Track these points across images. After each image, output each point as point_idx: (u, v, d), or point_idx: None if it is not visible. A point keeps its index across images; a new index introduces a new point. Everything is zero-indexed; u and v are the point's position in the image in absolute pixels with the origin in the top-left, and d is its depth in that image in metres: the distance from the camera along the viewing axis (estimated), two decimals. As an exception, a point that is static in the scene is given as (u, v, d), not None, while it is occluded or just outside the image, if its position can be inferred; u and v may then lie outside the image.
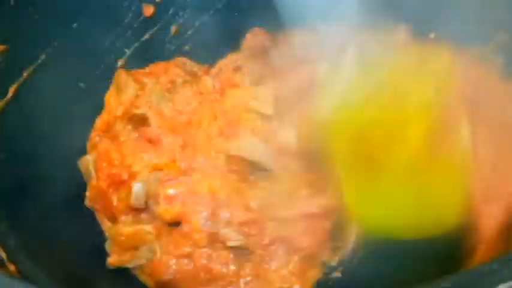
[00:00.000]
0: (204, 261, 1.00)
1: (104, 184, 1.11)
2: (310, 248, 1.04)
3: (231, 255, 1.01)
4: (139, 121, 1.21)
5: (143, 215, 1.08)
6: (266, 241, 1.03)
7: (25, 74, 1.17)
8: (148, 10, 1.39)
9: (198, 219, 1.01)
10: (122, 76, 1.29)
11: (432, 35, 1.30)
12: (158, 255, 1.03)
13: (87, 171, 1.15)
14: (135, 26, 1.38)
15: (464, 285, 0.65)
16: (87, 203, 1.14)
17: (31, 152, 1.13)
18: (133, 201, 1.06)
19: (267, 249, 1.03)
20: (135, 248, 1.06)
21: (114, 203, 1.10)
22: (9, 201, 1.04)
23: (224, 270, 1.01)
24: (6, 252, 0.91)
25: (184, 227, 1.02)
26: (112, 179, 1.10)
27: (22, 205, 1.05)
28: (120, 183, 1.09)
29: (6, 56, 1.13)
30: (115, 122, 1.23)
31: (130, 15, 1.36)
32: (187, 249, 1.01)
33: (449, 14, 1.22)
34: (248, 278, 1.01)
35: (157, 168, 1.09)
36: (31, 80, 1.17)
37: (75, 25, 1.27)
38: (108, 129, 1.23)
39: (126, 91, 1.26)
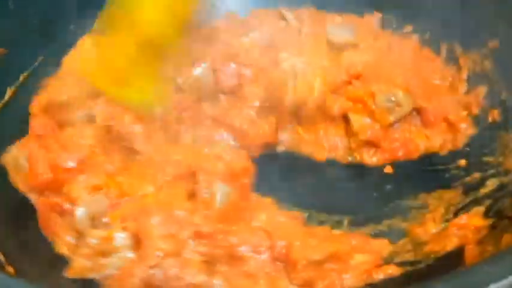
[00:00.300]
0: (175, 270, 0.95)
1: (48, 215, 1.04)
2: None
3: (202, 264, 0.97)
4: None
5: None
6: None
7: (22, 77, 1.18)
8: (146, 14, 1.40)
9: (157, 230, 0.97)
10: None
11: (407, 29, 1.34)
12: (128, 264, 0.98)
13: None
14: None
15: (456, 285, 0.67)
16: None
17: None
18: (79, 226, 1.00)
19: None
20: (104, 254, 0.99)
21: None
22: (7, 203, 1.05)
23: (196, 279, 0.96)
24: (4, 254, 0.91)
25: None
26: (54, 208, 1.04)
27: (20, 208, 1.06)
28: (63, 212, 1.03)
29: (4, 58, 1.14)
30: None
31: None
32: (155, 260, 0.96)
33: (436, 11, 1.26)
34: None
35: (97, 189, 1.03)
36: (29, 82, 1.18)
37: (72, 27, 1.28)
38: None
39: None
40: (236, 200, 1.04)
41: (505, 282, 0.65)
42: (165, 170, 1.07)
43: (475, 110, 1.19)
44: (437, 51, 1.29)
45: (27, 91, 1.17)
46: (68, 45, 1.25)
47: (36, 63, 1.21)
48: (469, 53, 1.24)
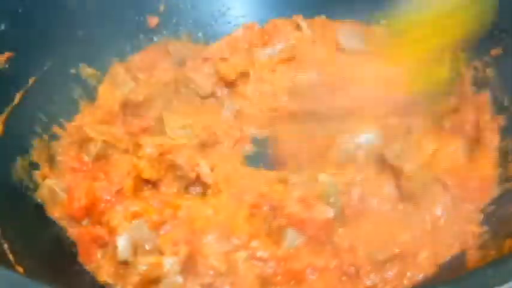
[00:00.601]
0: None
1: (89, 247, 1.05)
2: None
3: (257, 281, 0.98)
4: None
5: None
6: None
7: (31, 81, 1.19)
8: (153, 21, 1.41)
9: (211, 248, 0.99)
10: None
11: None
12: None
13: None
14: (140, 36, 1.41)
15: (460, 288, 0.68)
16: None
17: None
18: (120, 257, 0.98)
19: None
20: (153, 281, 0.97)
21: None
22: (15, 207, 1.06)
23: None
24: (14, 255, 0.92)
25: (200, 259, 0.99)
26: (95, 240, 1.04)
27: (29, 212, 1.08)
28: (105, 243, 1.04)
29: (13, 62, 1.14)
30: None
31: (135, 25, 1.39)
32: (208, 280, 0.97)
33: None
34: None
35: (136, 216, 1.04)
36: (37, 86, 1.19)
37: (80, 33, 1.29)
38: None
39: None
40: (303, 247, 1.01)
41: (507, 286, 0.66)
42: (231, 195, 1.09)
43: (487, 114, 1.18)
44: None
45: (37, 95, 1.19)
46: (75, 49, 1.28)
47: (45, 68, 1.22)
48: (472, 61, 1.24)
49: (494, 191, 1.07)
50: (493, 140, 1.14)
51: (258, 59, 1.36)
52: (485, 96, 1.20)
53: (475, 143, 1.14)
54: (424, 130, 1.15)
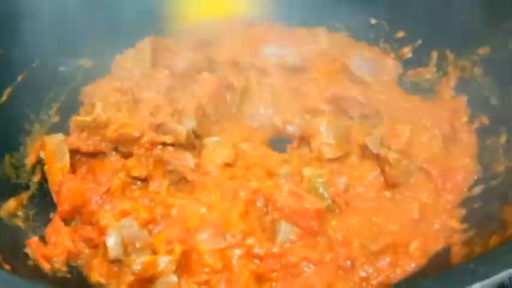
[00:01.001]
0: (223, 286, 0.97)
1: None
2: None
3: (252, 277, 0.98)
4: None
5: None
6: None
7: (19, 78, 1.19)
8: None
9: (206, 245, 1.00)
10: None
11: (400, 33, 1.37)
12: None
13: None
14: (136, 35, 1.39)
15: (442, 283, 0.69)
16: None
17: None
18: (111, 256, 0.98)
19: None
20: (149, 281, 0.96)
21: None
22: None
23: None
24: (1, 253, 0.92)
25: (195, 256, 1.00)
26: (86, 242, 1.05)
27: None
28: (96, 245, 1.04)
29: (1, 59, 1.14)
30: None
31: (128, 25, 1.37)
32: (204, 277, 0.98)
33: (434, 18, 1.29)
34: None
35: (124, 214, 1.04)
36: (25, 83, 1.19)
37: (69, 31, 1.28)
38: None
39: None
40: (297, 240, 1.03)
41: (489, 281, 0.67)
42: (223, 191, 1.09)
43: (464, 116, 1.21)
44: (428, 58, 1.31)
45: (25, 92, 1.18)
46: (64, 46, 1.27)
47: (34, 65, 1.22)
48: (460, 59, 1.25)
49: (476, 187, 1.09)
50: (470, 139, 1.16)
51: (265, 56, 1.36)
52: (463, 100, 1.22)
53: (451, 140, 1.17)
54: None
